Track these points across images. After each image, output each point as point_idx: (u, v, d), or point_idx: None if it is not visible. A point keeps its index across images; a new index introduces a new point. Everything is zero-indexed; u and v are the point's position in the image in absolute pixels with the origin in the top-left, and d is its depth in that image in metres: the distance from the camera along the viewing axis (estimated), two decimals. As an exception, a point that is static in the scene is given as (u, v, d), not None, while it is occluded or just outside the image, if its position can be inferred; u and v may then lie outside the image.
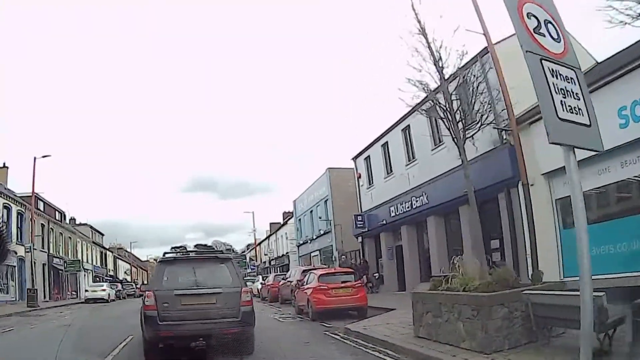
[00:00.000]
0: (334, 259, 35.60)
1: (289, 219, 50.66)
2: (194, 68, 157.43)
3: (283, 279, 26.44)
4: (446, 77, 12.68)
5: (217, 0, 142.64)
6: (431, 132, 22.12)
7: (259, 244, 63.22)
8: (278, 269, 53.59)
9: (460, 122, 12.71)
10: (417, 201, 22.89)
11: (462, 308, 9.00)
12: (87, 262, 55.39)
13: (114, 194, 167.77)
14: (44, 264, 40.52)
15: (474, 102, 13.27)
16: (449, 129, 12.52)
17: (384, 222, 26.17)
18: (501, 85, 14.14)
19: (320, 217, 37.45)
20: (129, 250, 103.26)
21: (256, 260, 57.60)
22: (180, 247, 11.33)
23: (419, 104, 14.14)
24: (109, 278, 62.40)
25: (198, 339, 8.69)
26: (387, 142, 26.67)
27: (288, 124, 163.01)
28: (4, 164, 40.44)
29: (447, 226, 21.98)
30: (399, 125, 25.09)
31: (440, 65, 12.42)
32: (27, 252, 33.14)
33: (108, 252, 68.18)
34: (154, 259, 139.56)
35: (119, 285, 48.31)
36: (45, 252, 41.58)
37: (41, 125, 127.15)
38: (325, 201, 37.76)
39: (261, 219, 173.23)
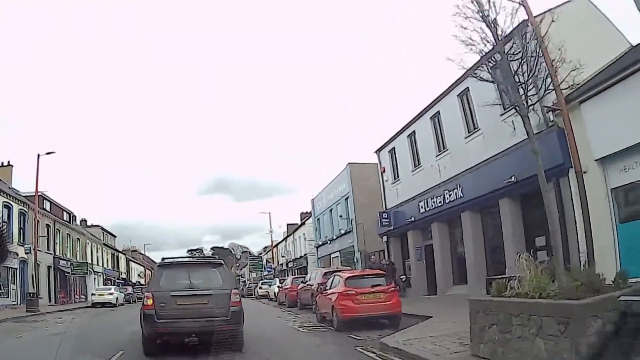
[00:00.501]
0: (355, 260, 33.18)
1: (307, 219, 48.38)
2: (203, 67, 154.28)
3: (302, 282, 24.08)
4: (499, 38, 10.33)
5: (221, 1, 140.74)
6: (464, 118, 19.87)
7: (276, 245, 61.04)
8: (296, 271, 51.40)
9: (521, 87, 10.33)
10: (450, 195, 20.52)
11: (542, 321, 6.69)
12: (98, 264, 53.61)
13: (130, 197, 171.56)
14: (49, 267, 38.70)
15: (535, 64, 10.89)
16: (503, 93, 10.16)
17: (412, 219, 23.74)
18: (546, 60, 11.74)
19: (340, 216, 35.09)
20: (143, 253, 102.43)
21: (273, 263, 55.27)
22: (197, 249, 12.03)
23: (475, 65, 11.81)
24: (120, 281, 60.70)
25: (191, 335, 9.56)
26: (414, 132, 24.29)
27: (304, 123, 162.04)
28: (8, 162, 38.81)
29: (485, 222, 19.62)
30: (427, 113, 22.78)
31: (493, 24, 10.06)
32: (27, 253, 31.21)
33: (120, 255, 66.41)
34: None
35: (129, 288, 46.28)
36: (51, 253, 39.77)
37: (58, 127, 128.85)
38: (346, 198, 35.37)
39: (278, 220, 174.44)
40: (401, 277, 25.44)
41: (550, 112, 14.12)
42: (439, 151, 21.78)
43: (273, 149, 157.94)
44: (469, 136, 19.41)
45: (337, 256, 38.05)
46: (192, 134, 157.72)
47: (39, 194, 33.32)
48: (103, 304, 34.91)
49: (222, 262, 11.48)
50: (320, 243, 42.07)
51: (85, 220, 61.92)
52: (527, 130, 9.52)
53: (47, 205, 41.81)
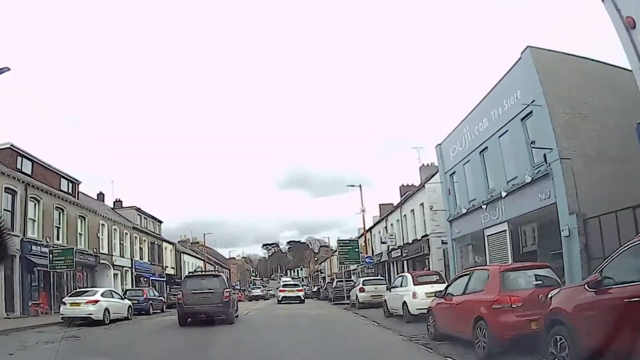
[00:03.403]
0: (566, 234, 15.21)
1: (428, 180, 30.46)
2: (285, 60, 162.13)
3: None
4: None
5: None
6: None
7: (369, 230, 43.62)
8: (406, 263, 33.70)
9: None
10: None
11: None
12: (124, 255, 38.24)
13: (209, 195, 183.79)
14: (12, 256, 23.09)
15: None
16: None
17: None
18: None
19: (532, 143, 17.08)
20: (207, 245, 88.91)
21: (366, 252, 37.27)
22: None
23: None
24: (160, 278, 45.47)
25: (202, 314, 17.83)
26: None
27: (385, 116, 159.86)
28: None
29: None
30: None
31: None
32: None
33: (166, 245, 51.09)
34: (243, 257, 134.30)
35: (153, 291, 30.27)
36: (18, 235, 24.35)
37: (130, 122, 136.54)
38: (526, 116, 17.59)
39: (353, 217, 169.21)
40: None
41: None
42: None
43: (353, 143, 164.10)
44: None
45: (504, 231, 20.10)
46: (269, 128, 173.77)
47: None
48: (83, 319, 19.33)
49: (221, 274, 22.40)
50: (459, 213, 24.18)
51: (121, 201, 47.54)
52: None
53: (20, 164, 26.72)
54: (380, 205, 52.78)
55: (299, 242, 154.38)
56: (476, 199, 22.57)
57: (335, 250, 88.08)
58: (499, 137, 20.41)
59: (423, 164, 41.08)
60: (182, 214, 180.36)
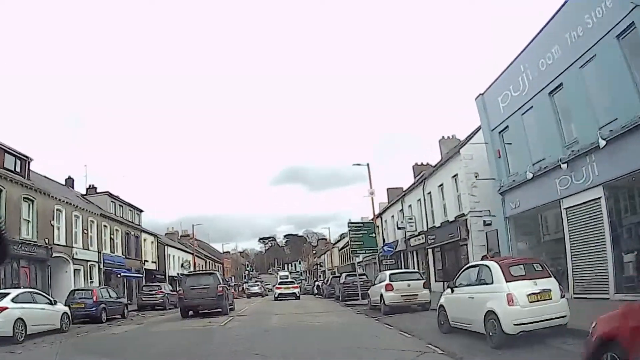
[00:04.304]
0: None
1: (469, 138, 24.09)
2: (277, 56, 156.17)
3: None
4: None
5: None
6: None
7: (379, 215, 37.25)
8: (432, 252, 27.43)
9: None
10: None
11: None
12: (88, 248, 31.80)
13: (204, 190, 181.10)
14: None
15: None
16: None
17: None
18: None
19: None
20: (204, 240, 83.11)
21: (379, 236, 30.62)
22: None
23: None
24: (136, 275, 38.99)
25: (199, 306, 20.59)
26: None
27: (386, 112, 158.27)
28: None
29: None
30: None
31: None
32: None
33: (146, 236, 44.57)
34: (239, 252, 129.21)
35: (110, 291, 23.42)
36: None
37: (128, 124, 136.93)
38: (627, 29, 11.65)
39: (356, 209, 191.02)
40: None
41: None
42: None
43: (349, 137, 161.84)
44: None
45: (597, 199, 13.88)
46: (264, 124, 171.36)
47: None
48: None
49: (216, 272, 25.78)
50: (515, 182, 17.95)
51: (95, 187, 41.09)
52: None
53: None
54: (388, 189, 46.49)
55: (297, 235, 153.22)
56: (545, 159, 16.32)
57: (338, 241, 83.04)
58: (580, 67, 14.22)
59: (443, 137, 35.14)
60: (178, 210, 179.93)
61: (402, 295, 16.56)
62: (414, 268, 30.59)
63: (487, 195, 21.73)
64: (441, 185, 25.91)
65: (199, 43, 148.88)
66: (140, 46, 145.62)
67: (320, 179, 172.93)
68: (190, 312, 20.72)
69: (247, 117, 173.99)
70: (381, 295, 17.09)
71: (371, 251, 25.36)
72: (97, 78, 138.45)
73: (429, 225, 27.73)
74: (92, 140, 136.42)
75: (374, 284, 19.29)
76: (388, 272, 18.71)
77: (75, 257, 29.61)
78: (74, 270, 29.47)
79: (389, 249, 28.20)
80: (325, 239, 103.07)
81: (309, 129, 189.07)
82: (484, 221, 21.99)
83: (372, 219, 29.55)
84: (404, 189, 37.26)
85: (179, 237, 70.65)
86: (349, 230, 24.49)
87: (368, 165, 28.36)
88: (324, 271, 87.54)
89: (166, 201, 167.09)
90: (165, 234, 64.04)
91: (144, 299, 28.95)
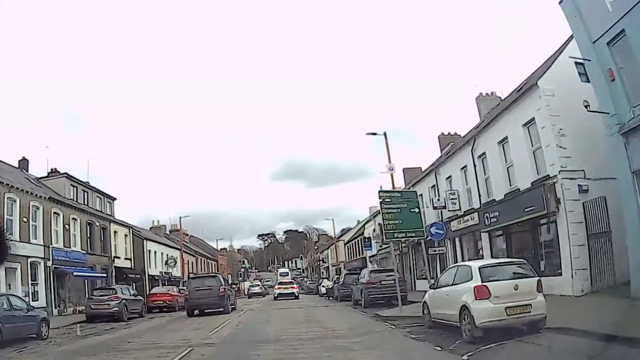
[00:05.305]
0: None
1: (547, 67, 16.52)
2: (280, 50, 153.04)
3: None
4: None
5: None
6: None
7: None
8: (488, 237, 19.84)
9: None
10: None
11: None
12: (30, 241, 24.42)
13: (203, 186, 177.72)
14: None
15: None
16: None
17: None
18: None
19: None
20: (197, 237, 76.19)
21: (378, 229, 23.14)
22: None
23: None
24: (100, 275, 31.54)
25: (203, 306, 22.70)
26: None
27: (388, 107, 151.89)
28: None
29: None
30: None
31: None
32: None
33: (117, 228, 37.11)
34: (237, 250, 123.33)
35: (9, 300, 15.78)
36: None
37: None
38: None
39: (359, 206, 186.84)
40: None
41: None
42: None
43: (348, 133, 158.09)
44: None
45: None
46: (262, 120, 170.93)
47: None
48: None
49: (218, 274, 28.12)
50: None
51: (58, 172, 33.71)
52: None
53: None
54: (404, 169, 39.08)
55: (297, 231, 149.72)
56: None
57: (341, 236, 75.57)
58: None
59: (480, 94, 28.32)
60: (178, 209, 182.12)
61: (506, 308, 8.83)
62: (455, 260, 23.27)
63: (580, 149, 14.57)
64: (504, 140, 18.21)
65: (200, 38, 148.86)
66: (141, 39, 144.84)
67: (319, 175, 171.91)
68: (196, 312, 22.77)
69: (247, 113, 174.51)
70: (466, 308, 9.29)
71: (413, 234, 17.49)
72: (97, 78, 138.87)
73: (483, 200, 20.22)
74: (92, 140, 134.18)
75: (437, 287, 11.48)
76: (476, 265, 10.09)
77: (17, 254, 22.27)
78: (7, 269, 22.12)
79: (438, 231, 20.60)
80: (327, 234, 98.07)
81: (308, 124, 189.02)
82: (579, 186, 14.73)
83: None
84: (435, 160, 29.88)
85: (168, 232, 63.51)
86: (381, 204, 16.89)
87: (385, 134, 21.82)
88: (327, 267, 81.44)
89: (165, 199, 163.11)
90: (150, 228, 56.85)
91: (93, 306, 21.54)
